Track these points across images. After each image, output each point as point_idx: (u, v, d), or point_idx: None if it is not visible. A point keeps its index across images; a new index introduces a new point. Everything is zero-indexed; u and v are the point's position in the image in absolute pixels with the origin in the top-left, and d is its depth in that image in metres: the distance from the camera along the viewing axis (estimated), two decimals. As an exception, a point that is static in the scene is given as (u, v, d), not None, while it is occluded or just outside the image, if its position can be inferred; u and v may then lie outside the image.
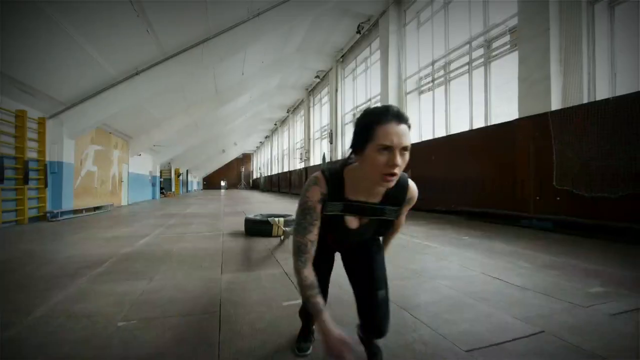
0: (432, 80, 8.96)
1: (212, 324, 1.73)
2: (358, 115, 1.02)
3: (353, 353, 0.93)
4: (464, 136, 6.98)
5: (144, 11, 6.05)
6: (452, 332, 1.59)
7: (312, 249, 1.05)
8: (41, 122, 6.73)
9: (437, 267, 2.87)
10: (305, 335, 1.43)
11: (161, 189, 19.64)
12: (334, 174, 1.06)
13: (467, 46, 7.67)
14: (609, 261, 2.96)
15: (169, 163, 22.55)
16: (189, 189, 32.90)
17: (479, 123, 7.30)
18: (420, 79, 9.65)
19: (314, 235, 1.05)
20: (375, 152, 0.91)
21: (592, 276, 2.52)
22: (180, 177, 26.85)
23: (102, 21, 5.73)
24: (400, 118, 0.93)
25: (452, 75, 8.34)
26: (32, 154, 6.47)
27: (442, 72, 8.70)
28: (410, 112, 9.92)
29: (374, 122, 0.92)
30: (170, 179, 23.47)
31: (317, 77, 16.80)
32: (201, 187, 46.10)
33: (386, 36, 10.24)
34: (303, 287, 1.02)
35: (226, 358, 1.38)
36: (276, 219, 4.48)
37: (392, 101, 10.09)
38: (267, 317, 1.81)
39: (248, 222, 4.77)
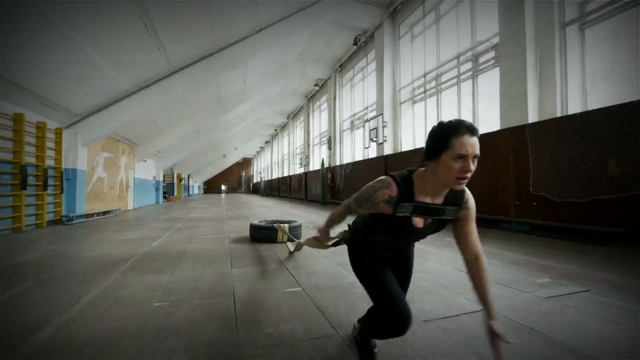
0: (424, 91, 9.47)
1: (228, 303, 2.20)
2: (433, 127, 1.15)
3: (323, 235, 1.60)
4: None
5: (157, 32, 6.57)
6: (416, 310, 2.05)
7: (353, 214, 1.38)
8: (58, 132, 7.22)
9: (417, 263, 3.33)
10: (366, 347, 1.49)
11: (164, 193, 20.11)
12: (405, 179, 1.19)
13: (456, 60, 8.19)
14: (564, 259, 3.43)
15: (172, 168, 23.03)
16: (190, 193, 33.37)
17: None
18: (414, 89, 10.16)
19: (362, 210, 1.30)
20: (451, 160, 1.05)
21: (546, 270, 2.99)
22: (182, 182, 27.33)
23: (118, 40, 6.24)
24: (473, 131, 1.06)
25: (443, 86, 8.85)
26: (50, 162, 6.94)
27: (433, 84, 9.21)
28: (404, 121, 10.44)
29: (450, 134, 1.05)
30: (172, 184, 23.94)
31: (316, 85, 17.35)
32: (202, 191, 46.55)
33: (381, 48, 10.78)
34: (334, 219, 1.47)
35: (242, 325, 1.85)
36: (281, 225, 4.43)
37: (387, 110, 10.61)
38: (272, 299, 2.28)
39: (253, 228, 4.77)
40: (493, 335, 1.11)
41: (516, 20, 5.84)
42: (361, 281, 1.38)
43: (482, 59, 7.49)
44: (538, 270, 3.00)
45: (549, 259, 3.41)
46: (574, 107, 5.44)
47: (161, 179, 18.43)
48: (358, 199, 1.27)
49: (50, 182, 6.94)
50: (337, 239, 1.76)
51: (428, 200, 1.19)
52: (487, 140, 6.39)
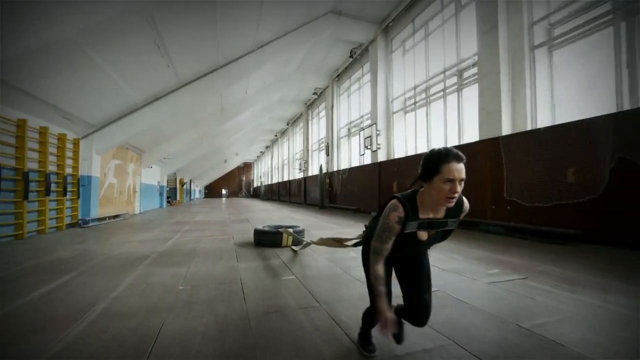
0: (415, 103, 10.12)
1: (237, 287, 2.80)
2: (425, 154, 1.35)
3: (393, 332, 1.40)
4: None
5: (168, 51, 7.24)
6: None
7: (385, 254, 1.39)
8: (76, 143, 7.85)
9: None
10: (367, 338, 1.68)
11: (167, 198, 20.73)
12: (410, 200, 1.37)
13: (443, 74, 8.84)
14: (519, 255, 4.03)
15: (175, 173, 23.66)
16: (192, 197, 33.99)
17: (453, 141, 8.42)
18: (406, 100, 10.81)
19: (389, 245, 1.37)
20: (441, 183, 1.25)
21: (500, 264, 3.59)
22: (184, 187, 27.96)
23: (134, 60, 6.91)
24: (459, 158, 1.26)
25: (431, 98, 9.49)
26: (68, 170, 7.56)
27: (423, 95, 9.86)
28: (396, 130, 11.08)
29: (440, 162, 1.25)
30: (175, 188, 24.56)
31: (314, 93, 18.04)
32: (203, 195, 47.13)
33: (375, 62, 11.45)
34: (374, 277, 1.38)
35: (248, 301, 2.45)
36: (288, 230, 4.63)
37: (381, 119, 11.26)
38: (273, 285, 2.89)
39: (257, 233, 4.96)
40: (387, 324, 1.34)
41: (491, 43, 6.50)
42: (367, 279, 1.54)
43: (466, 74, 8.13)
44: (494, 264, 3.60)
45: (506, 255, 4.02)
46: (543, 121, 6.06)
47: (165, 184, 19.07)
48: (380, 235, 1.39)
49: (69, 188, 7.56)
50: (358, 240, 1.94)
51: (430, 215, 1.38)
52: (467, 149, 6.97)
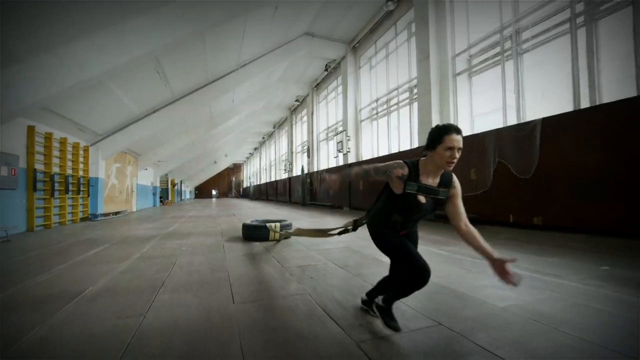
0: (377, 113, 11.82)
1: (221, 249, 4.39)
2: (432, 128, 1.65)
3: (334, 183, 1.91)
4: (387, 157, 9.79)
5: (165, 74, 8.73)
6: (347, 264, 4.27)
7: (368, 179, 1.79)
8: (86, 149, 9.26)
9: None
10: (390, 314, 1.72)
11: (160, 197, 22.01)
12: (413, 163, 1.68)
13: (396, 91, 10.55)
14: (441, 234, 5.71)
15: (166, 175, 24.91)
16: (183, 197, 35.17)
17: (405, 147, 10.12)
18: (371, 109, 12.50)
19: (376, 178, 1.74)
20: (443, 150, 1.55)
21: (441, 243, 5.26)
22: (176, 187, 29.19)
23: (137, 83, 8.38)
24: (458, 131, 1.57)
25: (391, 109, 11.19)
26: (80, 173, 8.97)
27: (385, 106, 11.55)
28: (364, 135, 12.76)
29: (443, 133, 1.57)
30: (167, 189, 25.81)
31: (297, 100, 19.64)
32: (193, 196, 48.14)
33: (345, 76, 13.13)
34: (351, 175, 1.86)
35: (227, 253, 4.04)
36: (275, 224, 4.91)
37: (351, 126, 12.93)
38: (244, 247, 4.48)
39: (245, 227, 5.18)
40: (501, 268, 1.48)
41: (425, 69, 8.22)
42: (393, 252, 1.73)
43: (415, 91, 9.84)
44: (439, 244, 5.27)
45: (445, 237, 5.70)
46: (465, 132, 7.78)
47: (157, 185, 20.37)
48: (377, 170, 1.72)
49: (81, 188, 8.97)
50: (343, 228, 2.26)
51: (429, 182, 1.65)
52: (412, 154, 8.73)
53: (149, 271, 3.17)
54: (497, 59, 7.03)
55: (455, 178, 1.73)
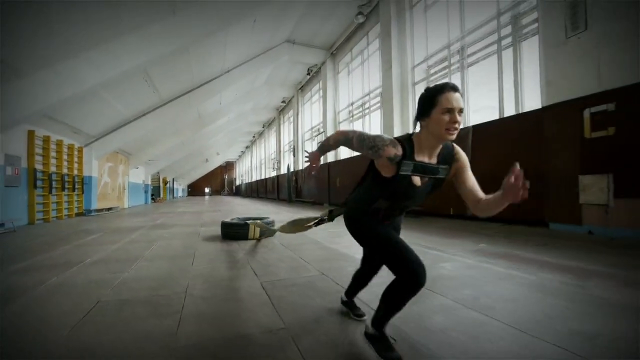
0: (352, 116, 12.76)
1: (197, 235, 5.28)
2: (421, 93, 1.31)
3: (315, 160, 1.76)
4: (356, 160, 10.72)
5: (153, 82, 9.54)
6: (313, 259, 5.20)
7: (348, 145, 1.44)
8: (80, 150, 10.04)
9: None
10: (385, 342, 1.37)
11: (152, 195, 22.74)
12: (407, 139, 1.33)
13: (368, 95, 11.49)
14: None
15: (158, 173, 25.61)
16: (175, 195, 35.84)
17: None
18: (350, 112, 13.41)
19: (357, 148, 1.39)
20: (440, 114, 1.22)
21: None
22: (167, 185, 29.88)
23: (129, 90, 9.18)
24: (455, 88, 1.23)
25: (366, 111, 12.10)
26: (75, 171, 9.76)
27: (360, 109, 12.47)
28: (342, 136, 13.64)
29: (436, 94, 1.24)
30: (159, 187, 26.52)
31: (283, 102, 20.50)
32: (186, 193, 48.74)
33: (325, 80, 14.03)
34: (328, 140, 1.56)
35: (200, 241, 4.94)
36: (257, 222, 4.47)
37: (330, 127, 13.84)
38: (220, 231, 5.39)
39: (224, 225, 4.78)
40: (513, 188, 1.13)
41: (388, 78, 9.15)
42: (378, 245, 1.38)
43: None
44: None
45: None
46: (421, 135, 8.75)
47: (149, 182, 21.10)
48: (362, 140, 1.36)
49: (76, 185, 9.77)
50: (319, 219, 1.95)
51: (426, 159, 1.33)
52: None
53: (135, 249, 4.06)
54: (446, 71, 7.99)
55: (458, 148, 1.42)
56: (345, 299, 1.89)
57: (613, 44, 4.16)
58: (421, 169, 1.32)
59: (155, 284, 2.54)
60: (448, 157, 1.38)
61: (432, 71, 8.57)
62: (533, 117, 5.35)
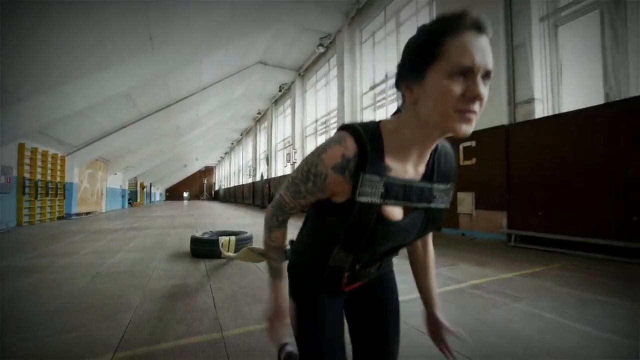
0: (316, 131, 14.24)
1: (167, 235, 6.50)
2: (411, 37, 0.62)
3: (283, 327, 0.84)
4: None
5: (134, 100, 10.66)
6: (228, 234, 6.51)
7: (293, 213, 0.78)
8: (62, 159, 10.96)
9: (255, 228, 7.82)
10: None
11: (129, 199, 23.34)
12: (370, 131, 0.65)
13: (327, 115, 13.01)
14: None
15: (135, 178, 26.16)
16: (152, 199, 36.14)
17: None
18: (316, 127, 14.88)
19: (305, 202, 0.74)
20: (444, 78, 0.54)
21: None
22: (145, 190, 30.33)
23: (109, 106, 10.26)
24: (481, 27, 0.55)
25: (328, 129, 13.60)
26: (58, 178, 10.67)
27: (324, 126, 13.96)
28: (308, 150, 15.13)
29: (444, 32, 0.55)
30: (136, 191, 27.03)
31: (259, 113, 21.79)
32: (164, 197, 48.66)
33: (294, 98, 15.50)
34: (269, 247, 0.84)
35: (172, 236, 6.19)
36: (226, 238, 4.02)
37: (297, 140, 15.26)
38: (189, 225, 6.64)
39: (194, 241, 4.21)
40: (435, 329, 0.86)
41: (341, 103, 10.66)
42: (299, 345, 0.83)
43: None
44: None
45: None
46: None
47: (126, 187, 21.75)
48: (296, 183, 0.72)
49: (58, 191, 10.67)
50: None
51: (407, 170, 0.68)
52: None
53: (116, 245, 5.27)
54: (384, 101, 9.60)
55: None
56: None
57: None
58: (401, 190, 0.66)
59: (133, 264, 3.82)
60: (448, 169, 0.75)
61: (378, 99, 10.16)
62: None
